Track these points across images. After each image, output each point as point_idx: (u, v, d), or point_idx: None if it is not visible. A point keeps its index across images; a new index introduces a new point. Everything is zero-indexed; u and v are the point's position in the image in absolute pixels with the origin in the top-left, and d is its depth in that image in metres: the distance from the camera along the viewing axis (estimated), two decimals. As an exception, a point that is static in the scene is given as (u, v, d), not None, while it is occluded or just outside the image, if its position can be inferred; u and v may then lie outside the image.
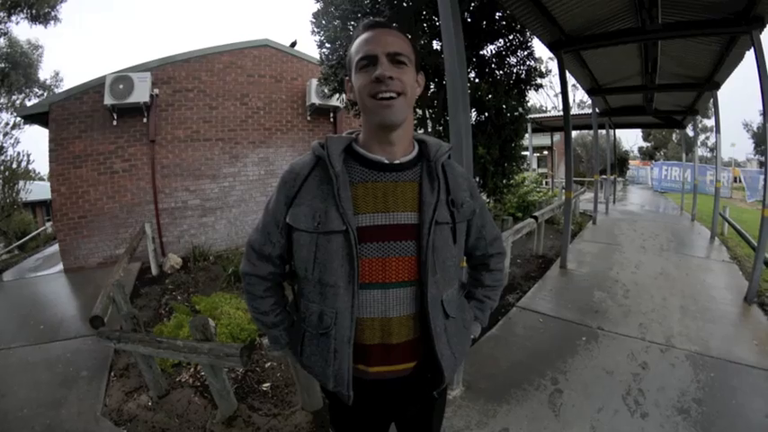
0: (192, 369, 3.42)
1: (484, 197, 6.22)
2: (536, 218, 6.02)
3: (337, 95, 6.58)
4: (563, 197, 7.00)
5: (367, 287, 1.07)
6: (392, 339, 1.09)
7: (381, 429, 1.34)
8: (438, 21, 2.84)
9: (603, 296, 4.70)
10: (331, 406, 1.31)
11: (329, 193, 1.07)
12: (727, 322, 3.98)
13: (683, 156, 17.09)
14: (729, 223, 7.21)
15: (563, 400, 2.75)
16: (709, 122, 27.95)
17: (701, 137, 33.41)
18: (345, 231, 1.04)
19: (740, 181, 20.33)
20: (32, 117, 7.48)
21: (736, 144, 36.09)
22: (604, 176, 13.62)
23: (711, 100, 7.71)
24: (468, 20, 5.21)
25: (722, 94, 7.37)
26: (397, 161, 1.12)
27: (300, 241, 1.11)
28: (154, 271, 6.54)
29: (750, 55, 4.62)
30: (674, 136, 34.53)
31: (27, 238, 12.47)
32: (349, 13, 5.17)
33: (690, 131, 15.90)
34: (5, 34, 13.26)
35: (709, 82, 7.09)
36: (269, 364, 3.47)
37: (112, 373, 3.56)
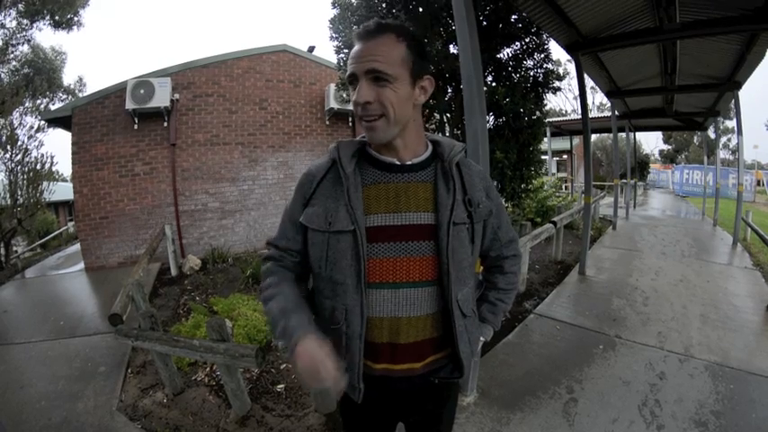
0: (207, 368, 3.47)
1: (502, 201, 6.16)
2: (555, 223, 5.95)
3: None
4: (582, 202, 6.91)
5: (377, 286, 1.08)
6: (399, 339, 1.10)
7: (388, 429, 1.35)
8: (454, 24, 2.84)
9: (622, 303, 4.62)
10: (341, 404, 1.32)
11: (341, 194, 1.09)
12: (749, 332, 3.87)
13: (705, 158, 16.71)
14: (752, 228, 7.00)
15: (578, 410, 2.72)
16: (731, 124, 27.37)
17: (723, 139, 32.69)
18: (353, 231, 1.06)
19: (763, 184, 19.80)
20: (56, 121, 7.70)
21: (759, 146, 35.01)
22: (624, 181, 13.40)
23: (732, 100, 7.53)
24: (484, 23, 5.18)
25: (743, 94, 7.21)
26: (408, 162, 1.13)
27: (314, 240, 1.14)
28: (173, 272, 6.65)
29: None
30: (695, 138, 33.80)
31: (49, 236, 12.83)
32: (365, 19, 5.18)
33: (711, 133, 15.56)
34: (29, 41, 13.69)
35: (729, 82, 6.93)
36: (284, 365, 3.50)
37: (129, 370, 3.64)
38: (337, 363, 0.99)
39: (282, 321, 1.08)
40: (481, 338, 1.35)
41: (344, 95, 6.83)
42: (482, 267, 1.43)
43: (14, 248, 9.81)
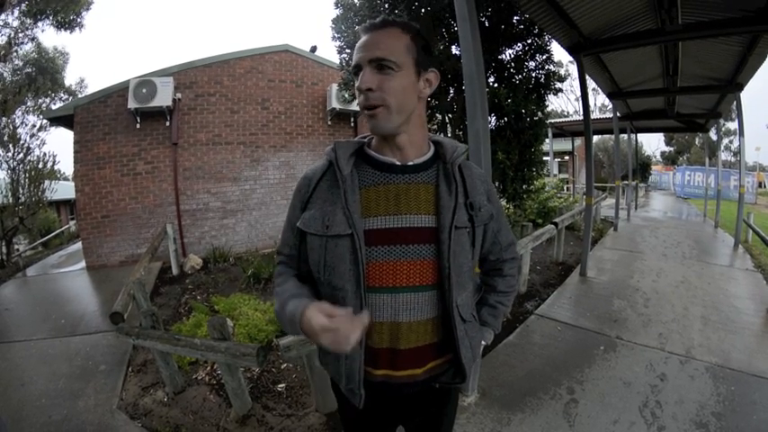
0: (208, 367, 3.47)
1: (503, 203, 6.18)
2: (556, 224, 5.94)
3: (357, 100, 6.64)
4: (584, 203, 6.91)
5: (376, 291, 1.06)
6: (400, 344, 1.08)
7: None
8: (456, 25, 2.84)
9: (623, 305, 4.61)
10: (340, 408, 1.32)
11: (338, 197, 1.07)
12: (750, 334, 3.86)
13: (707, 160, 16.75)
14: (754, 230, 6.99)
15: (578, 411, 2.72)
16: (733, 125, 27.39)
17: (725, 140, 32.58)
18: (351, 235, 1.03)
19: (765, 186, 19.75)
20: (58, 119, 7.71)
21: (760, 148, 34.90)
22: (626, 182, 13.39)
23: (734, 102, 7.52)
24: (486, 24, 5.19)
25: (745, 95, 7.20)
26: (410, 163, 1.11)
27: (312, 245, 1.12)
28: (174, 271, 6.66)
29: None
30: (696, 140, 33.80)
31: (51, 235, 12.82)
32: (368, 19, 5.20)
33: (713, 135, 15.55)
34: (32, 40, 13.75)
35: (731, 83, 6.92)
36: (285, 365, 3.50)
37: (130, 369, 3.65)
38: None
39: (285, 311, 1.05)
40: (482, 342, 1.33)
41: (346, 95, 6.83)
42: (480, 270, 1.41)
43: (16, 247, 9.84)
